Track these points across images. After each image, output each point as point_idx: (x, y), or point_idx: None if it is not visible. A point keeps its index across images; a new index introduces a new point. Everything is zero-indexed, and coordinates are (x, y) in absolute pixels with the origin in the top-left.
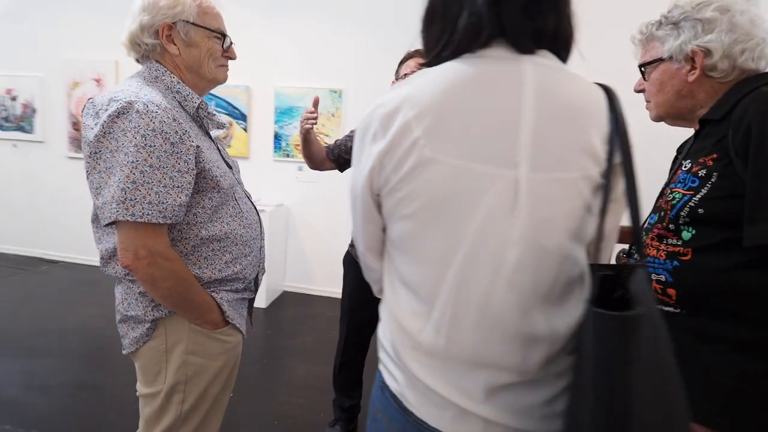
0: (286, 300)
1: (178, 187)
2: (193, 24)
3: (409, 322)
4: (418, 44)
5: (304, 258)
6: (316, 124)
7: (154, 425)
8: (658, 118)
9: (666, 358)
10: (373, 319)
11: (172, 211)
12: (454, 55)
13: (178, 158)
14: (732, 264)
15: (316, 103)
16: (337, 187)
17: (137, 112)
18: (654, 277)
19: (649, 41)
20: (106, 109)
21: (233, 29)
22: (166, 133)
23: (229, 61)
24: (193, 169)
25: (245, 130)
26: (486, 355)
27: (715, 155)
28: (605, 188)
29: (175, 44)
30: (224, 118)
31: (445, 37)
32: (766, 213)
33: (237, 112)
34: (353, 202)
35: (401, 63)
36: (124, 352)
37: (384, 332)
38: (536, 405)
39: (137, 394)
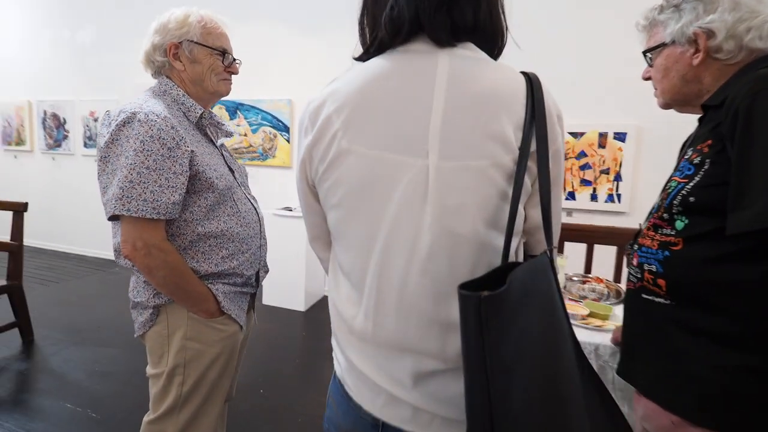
0: (325, 304)
1: (172, 187)
2: (196, 43)
3: (345, 309)
4: None
5: None
6: None
7: (159, 404)
8: (665, 106)
9: (540, 341)
10: None
11: (165, 208)
12: (379, 51)
13: (173, 161)
14: (720, 255)
15: None
16: None
17: (139, 121)
18: (646, 267)
19: (652, 27)
20: (116, 120)
21: (276, 46)
22: (163, 139)
23: (273, 77)
24: (186, 171)
25: (288, 141)
26: (408, 341)
27: (710, 141)
28: (516, 175)
29: (180, 61)
30: (231, 127)
31: (373, 34)
32: (748, 199)
33: (281, 124)
34: (297, 194)
35: None
36: (135, 335)
37: (331, 319)
38: (461, 394)
39: (146, 375)
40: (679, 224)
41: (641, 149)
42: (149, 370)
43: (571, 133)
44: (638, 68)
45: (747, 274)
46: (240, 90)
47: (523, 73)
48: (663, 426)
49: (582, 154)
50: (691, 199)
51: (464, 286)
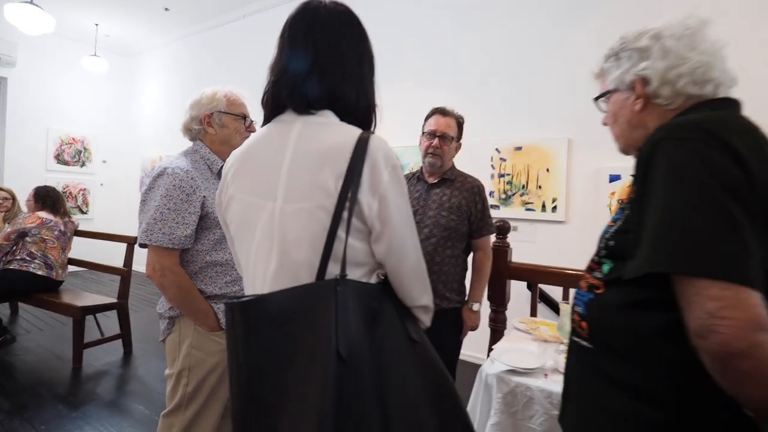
0: None
1: (185, 224)
2: (223, 112)
3: None
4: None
5: None
6: None
7: (170, 401)
8: (622, 151)
9: (284, 352)
10: None
11: (179, 240)
12: (266, 121)
13: (189, 204)
14: (629, 301)
15: None
16: None
17: (167, 174)
18: (576, 309)
19: (602, 74)
20: (153, 173)
21: None
22: (183, 187)
23: None
24: (198, 212)
25: None
26: None
27: (634, 187)
28: (333, 215)
29: (212, 127)
30: None
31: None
32: (641, 248)
33: None
34: None
35: (426, 118)
36: (159, 339)
37: None
38: None
39: (166, 373)
40: (605, 267)
41: None
42: (166, 371)
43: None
44: None
45: (648, 322)
46: None
47: (366, 133)
48: None
49: None
50: (611, 243)
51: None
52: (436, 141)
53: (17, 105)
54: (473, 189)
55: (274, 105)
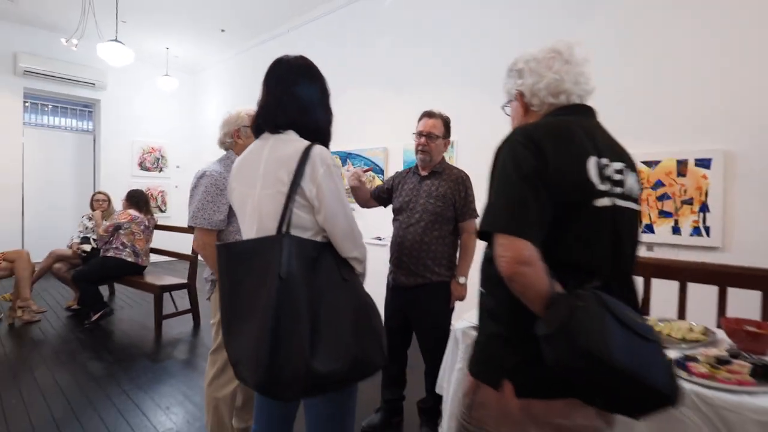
0: None
1: (220, 211)
2: (247, 126)
3: None
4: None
5: None
6: (359, 185)
7: (214, 342)
8: None
9: (257, 286)
10: (401, 328)
11: (216, 223)
12: (256, 137)
13: (222, 197)
14: (487, 255)
15: (365, 171)
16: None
17: (206, 175)
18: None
19: (504, 88)
20: (197, 175)
21: (374, 104)
22: (217, 185)
23: (372, 129)
24: (228, 203)
25: (382, 181)
26: None
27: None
28: (287, 197)
29: (240, 138)
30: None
31: None
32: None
33: (377, 167)
34: None
35: (418, 120)
36: (206, 298)
37: None
38: None
39: (210, 322)
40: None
41: (731, 176)
42: (211, 320)
43: (644, 162)
44: (717, 88)
45: (494, 269)
46: (348, 142)
47: (311, 144)
48: (468, 386)
49: (659, 184)
50: None
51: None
52: (423, 140)
53: (109, 122)
54: (458, 179)
55: (257, 128)
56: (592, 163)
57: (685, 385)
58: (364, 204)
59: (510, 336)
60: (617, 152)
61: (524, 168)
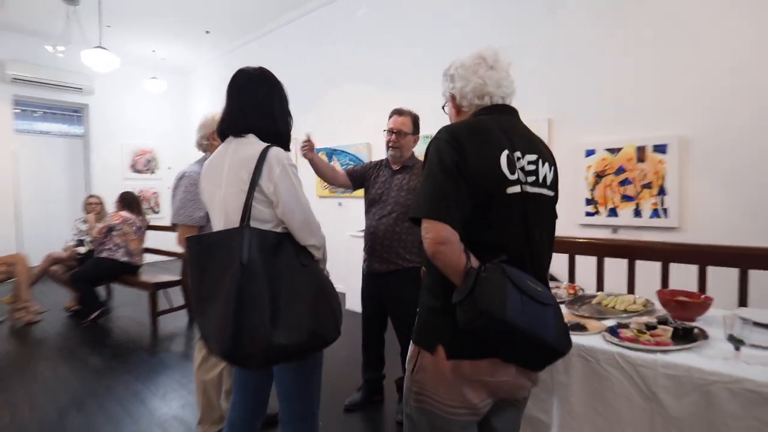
0: None
1: (200, 209)
2: None
3: None
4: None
5: None
6: (310, 150)
7: None
8: None
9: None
10: (377, 313)
11: (197, 220)
12: (222, 140)
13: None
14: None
15: (309, 137)
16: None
17: (185, 176)
18: None
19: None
20: (177, 176)
21: (358, 101)
22: (196, 184)
23: (354, 125)
24: None
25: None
26: None
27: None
28: (247, 194)
29: (216, 141)
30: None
31: None
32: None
33: (360, 162)
34: None
35: (389, 117)
36: None
37: None
38: None
39: None
40: None
41: (686, 160)
42: None
43: (608, 150)
44: (673, 78)
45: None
46: (333, 138)
47: (268, 146)
48: (411, 353)
49: (621, 170)
50: None
51: None
52: (393, 136)
53: (99, 126)
54: None
55: (222, 133)
56: (504, 156)
57: (613, 348)
58: (332, 180)
59: (443, 307)
60: (532, 146)
61: (446, 162)
